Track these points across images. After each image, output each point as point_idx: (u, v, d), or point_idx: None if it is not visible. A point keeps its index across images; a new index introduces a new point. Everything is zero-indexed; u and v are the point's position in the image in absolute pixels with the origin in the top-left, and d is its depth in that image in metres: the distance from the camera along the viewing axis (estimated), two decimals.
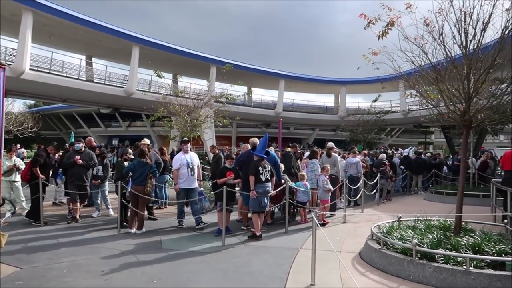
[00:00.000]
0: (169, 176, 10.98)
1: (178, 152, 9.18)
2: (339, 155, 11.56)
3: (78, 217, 8.24)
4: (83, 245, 6.29)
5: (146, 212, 7.98)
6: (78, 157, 8.27)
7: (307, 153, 11.15)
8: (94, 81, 25.00)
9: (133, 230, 7.26)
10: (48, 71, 21.93)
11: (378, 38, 5.65)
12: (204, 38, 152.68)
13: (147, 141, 9.28)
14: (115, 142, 31.67)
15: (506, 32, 5.22)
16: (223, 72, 15.07)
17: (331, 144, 10.69)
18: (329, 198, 8.84)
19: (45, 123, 40.36)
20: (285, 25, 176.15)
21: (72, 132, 17.50)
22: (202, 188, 8.19)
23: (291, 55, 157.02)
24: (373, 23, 5.71)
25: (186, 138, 9.04)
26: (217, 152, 10.92)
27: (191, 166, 7.82)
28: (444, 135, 26.39)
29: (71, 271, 4.93)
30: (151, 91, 25.50)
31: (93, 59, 28.89)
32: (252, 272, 5.03)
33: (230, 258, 5.69)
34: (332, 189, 8.90)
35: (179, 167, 7.79)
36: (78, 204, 8.31)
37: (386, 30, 5.68)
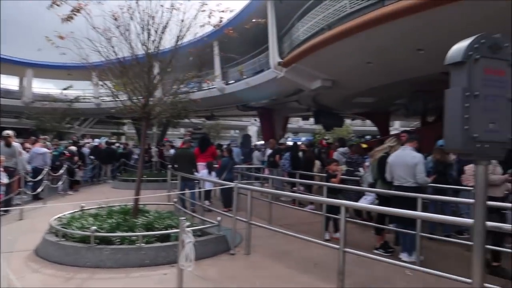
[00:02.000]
0: None
1: None
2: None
3: None
4: None
5: None
6: None
7: None
8: None
9: None
10: None
11: (62, 22, 5.37)
12: None
13: None
14: None
15: (179, 42, 6.14)
16: None
17: (9, 132, 9.25)
18: (3, 193, 7.69)
19: None
20: None
21: None
22: None
23: None
24: (58, 5, 5.39)
25: None
26: None
27: None
28: (133, 126, 28.02)
29: None
30: None
31: None
32: None
33: None
34: (7, 181, 7.81)
35: None
36: None
37: (72, 16, 5.48)
